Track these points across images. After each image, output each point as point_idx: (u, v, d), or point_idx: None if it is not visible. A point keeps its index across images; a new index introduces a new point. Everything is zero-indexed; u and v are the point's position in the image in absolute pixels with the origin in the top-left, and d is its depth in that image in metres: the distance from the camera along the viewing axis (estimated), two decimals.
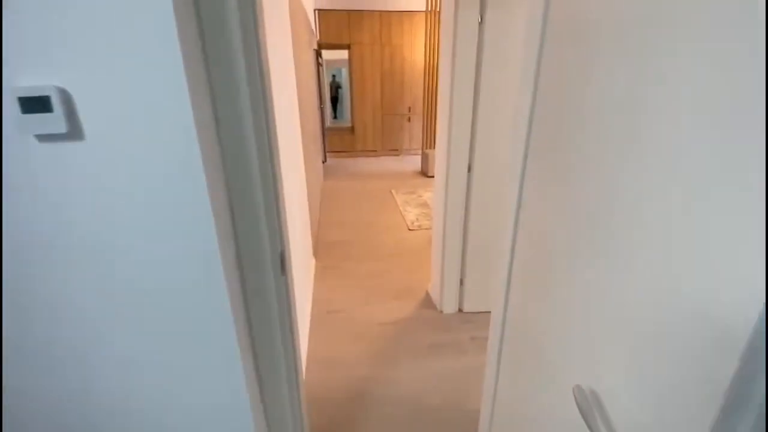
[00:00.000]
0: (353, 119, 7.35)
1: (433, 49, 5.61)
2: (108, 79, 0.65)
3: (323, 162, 6.91)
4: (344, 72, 9.08)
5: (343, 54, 7.26)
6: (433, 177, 6.24)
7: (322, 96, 6.42)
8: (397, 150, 7.65)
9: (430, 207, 4.54)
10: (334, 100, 11.63)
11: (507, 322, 1.08)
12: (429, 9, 5.48)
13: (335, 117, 11.75)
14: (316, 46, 6.42)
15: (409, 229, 3.88)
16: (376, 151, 7.60)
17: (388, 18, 6.71)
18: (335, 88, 11.39)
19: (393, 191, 5.26)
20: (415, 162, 7.05)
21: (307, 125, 3.45)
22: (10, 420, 0.86)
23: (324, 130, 6.81)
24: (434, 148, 6.26)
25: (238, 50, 0.79)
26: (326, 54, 10.91)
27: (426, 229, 3.87)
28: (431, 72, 5.72)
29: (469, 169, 2.12)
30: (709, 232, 0.42)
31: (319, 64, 6.64)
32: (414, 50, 6.96)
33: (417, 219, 4.15)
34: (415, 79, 7.16)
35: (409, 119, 7.44)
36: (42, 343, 0.80)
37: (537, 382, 0.91)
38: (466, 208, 2.20)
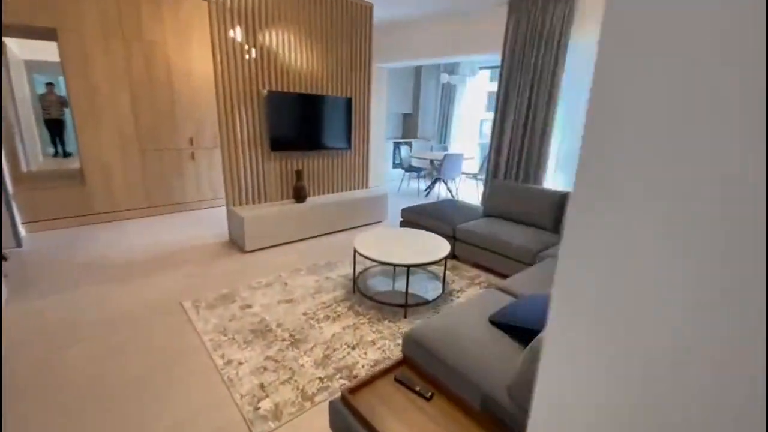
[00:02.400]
0: (82, 159, 4.18)
1: (227, 53, 3.49)
2: None
3: (4, 258, 3.47)
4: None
5: (55, 48, 4.01)
6: (255, 251, 3.51)
7: None
8: (176, 204, 4.92)
9: (285, 336, 2.40)
10: (56, 125, 7.23)
11: None
12: None
13: (64, 154, 7.39)
14: None
15: None
16: (135, 209, 4.63)
17: None
18: (58, 104, 6.99)
19: (184, 303, 2.75)
20: (215, 224, 4.55)
21: None
22: None
23: (9, 183, 3.41)
24: (251, 203, 3.73)
25: None
26: (24, 46, 6.67)
27: None
28: (230, 86, 3.57)
29: None
30: None
31: None
32: (189, 53, 4.55)
33: (269, 398, 1.97)
34: (199, 97, 4.74)
35: (192, 156, 4.90)
36: None
37: None
38: None
